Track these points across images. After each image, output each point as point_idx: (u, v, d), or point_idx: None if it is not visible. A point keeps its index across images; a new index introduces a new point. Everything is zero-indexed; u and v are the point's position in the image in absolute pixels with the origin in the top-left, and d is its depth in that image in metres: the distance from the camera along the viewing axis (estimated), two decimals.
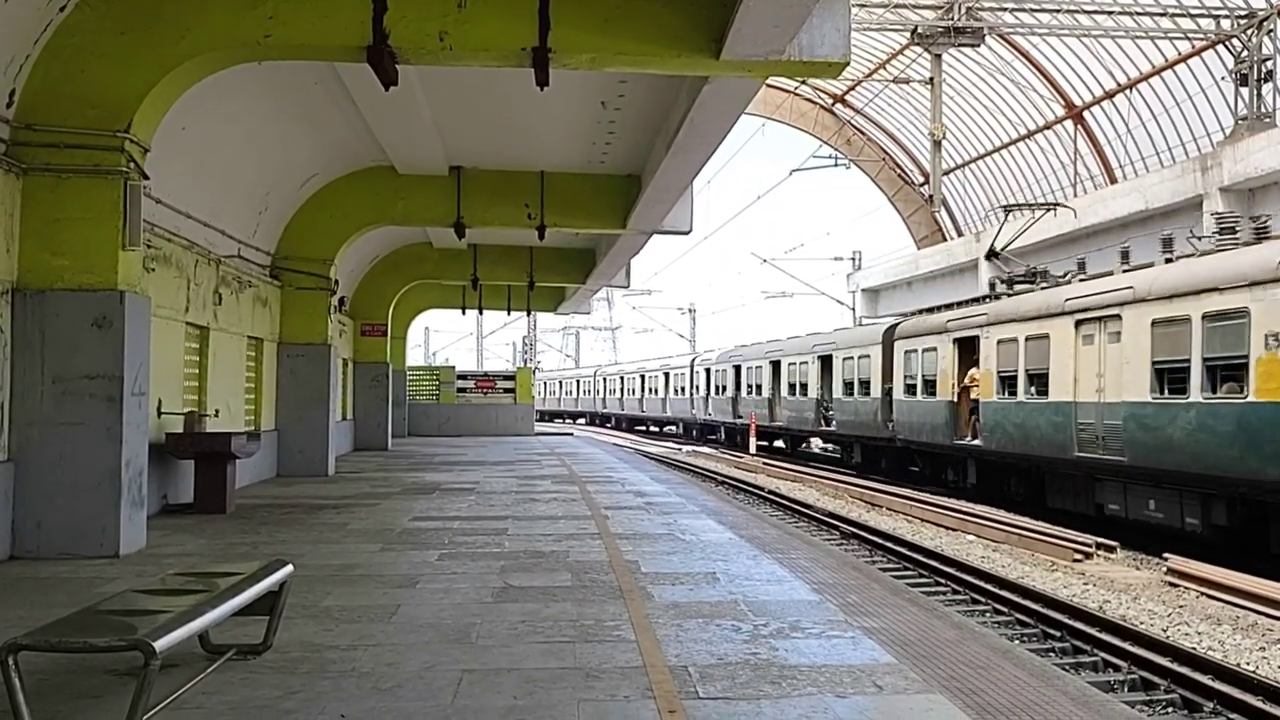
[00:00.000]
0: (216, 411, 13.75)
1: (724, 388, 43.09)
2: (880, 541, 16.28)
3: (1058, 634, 10.41)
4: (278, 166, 15.82)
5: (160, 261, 11.82)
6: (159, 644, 4.13)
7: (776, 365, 36.57)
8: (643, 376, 59.71)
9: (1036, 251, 33.47)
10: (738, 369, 41.00)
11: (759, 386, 38.30)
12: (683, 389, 50.46)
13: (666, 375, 54.50)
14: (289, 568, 5.92)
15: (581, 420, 75.93)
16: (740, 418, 40.68)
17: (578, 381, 79.18)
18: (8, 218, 8.74)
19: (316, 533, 10.68)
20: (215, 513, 11.99)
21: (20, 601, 7.10)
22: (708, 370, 46.62)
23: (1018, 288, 21.65)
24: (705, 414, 47.17)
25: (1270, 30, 27.22)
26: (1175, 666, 8.91)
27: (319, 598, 7.26)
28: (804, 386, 33.45)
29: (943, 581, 13.36)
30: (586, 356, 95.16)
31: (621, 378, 64.36)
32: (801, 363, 33.80)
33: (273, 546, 9.61)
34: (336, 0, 9.02)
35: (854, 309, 49.32)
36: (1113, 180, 34.57)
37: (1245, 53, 27.45)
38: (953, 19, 28.64)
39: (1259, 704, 7.94)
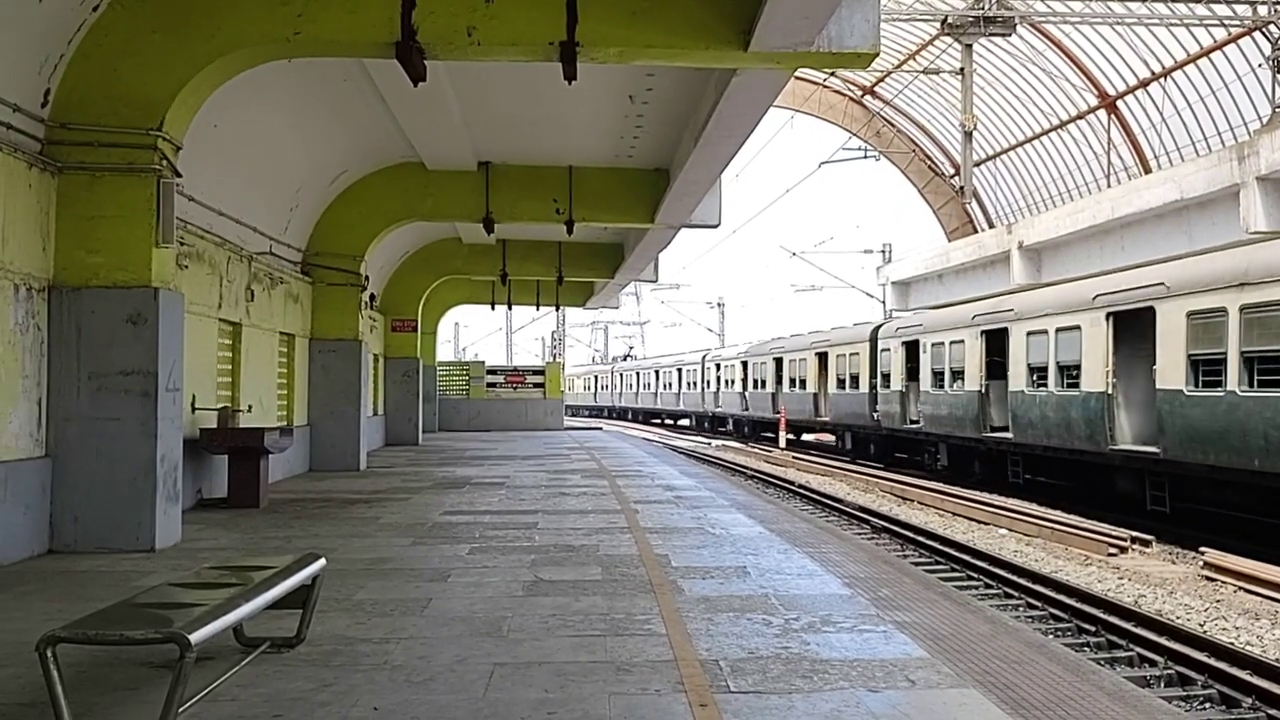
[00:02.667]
0: (249, 407, 13.86)
1: (763, 381, 42.01)
2: (912, 536, 16.19)
3: (1093, 629, 10.32)
4: (308, 163, 15.92)
5: (193, 258, 11.93)
6: (194, 637, 4.16)
7: (823, 357, 35.25)
8: (680, 370, 57.98)
9: (1069, 244, 33.16)
10: (779, 361, 39.96)
11: (802, 380, 37.29)
12: (732, 381, 47.96)
13: (718, 366, 51.33)
14: (322, 561, 5.96)
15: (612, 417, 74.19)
16: (778, 412, 39.99)
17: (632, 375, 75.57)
18: (44, 216, 8.85)
19: (349, 527, 10.75)
20: (249, 507, 12.09)
21: (58, 595, 7.19)
22: (745, 364, 45.48)
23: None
24: (747, 410, 45.50)
25: None
26: (1213, 661, 8.80)
27: (351, 591, 7.31)
28: (855, 379, 31.80)
29: (975, 576, 13.26)
30: (615, 351, 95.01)
31: (657, 372, 62.43)
32: (852, 354, 32.14)
33: (306, 540, 9.68)
34: None
35: (884, 302, 48.92)
36: (1147, 170, 34.11)
37: None
38: (983, 8, 28.37)
39: None
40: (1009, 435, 21.74)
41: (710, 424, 52.33)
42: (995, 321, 22.64)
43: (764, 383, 41.37)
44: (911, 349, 27.41)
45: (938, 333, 25.71)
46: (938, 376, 25.44)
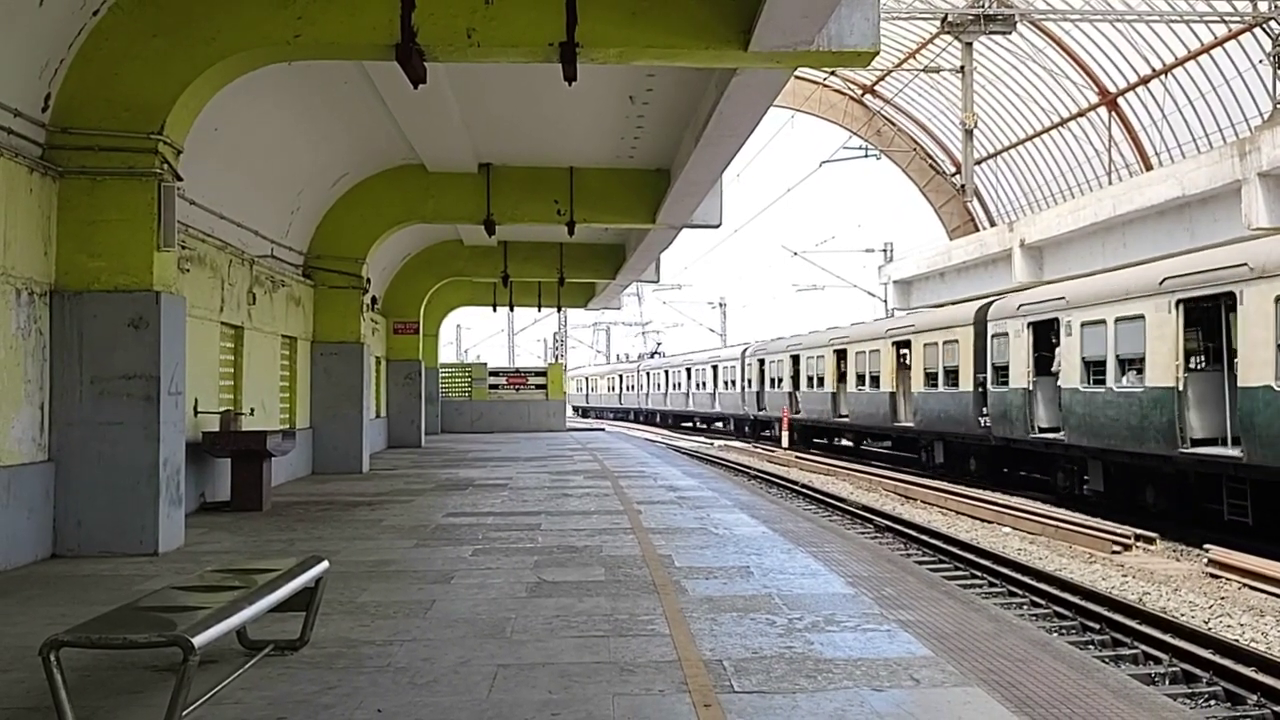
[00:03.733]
0: (252, 410, 13.87)
1: (819, 378, 35.47)
2: (915, 534, 16.18)
3: (1097, 626, 10.30)
4: (309, 166, 15.93)
5: (195, 262, 11.94)
6: (198, 640, 4.16)
7: (903, 347, 28.70)
8: (689, 370, 54.16)
9: (1071, 241, 33.14)
10: (840, 354, 33.19)
11: (872, 376, 30.38)
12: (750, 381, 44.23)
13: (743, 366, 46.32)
14: (325, 564, 5.95)
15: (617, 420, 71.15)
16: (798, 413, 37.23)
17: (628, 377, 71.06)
18: (45, 220, 8.85)
19: (352, 529, 10.75)
20: (252, 510, 12.10)
21: (61, 599, 7.19)
22: (761, 361, 42.15)
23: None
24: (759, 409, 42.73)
25: None
26: (1218, 659, 8.79)
27: (355, 593, 7.30)
28: (951, 374, 25.23)
29: (979, 574, 13.25)
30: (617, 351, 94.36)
31: (688, 370, 55.28)
32: (948, 342, 25.71)
33: (309, 543, 9.68)
34: None
35: (886, 301, 48.94)
36: (1148, 167, 34.07)
37: None
38: (983, 6, 28.36)
39: None
40: (1236, 454, 14.54)
41: (752, 429, 45.17)
42: (1207, 285, 15.62)
43: (820, 380, 34.69)
44: (1042, 332, 21.00)
45: (1094, 307, 18.71)
46: (1094, 368, 18.79)
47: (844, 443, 37.59)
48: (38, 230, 8.75)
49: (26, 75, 8.59)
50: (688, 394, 54.34)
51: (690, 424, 58.55)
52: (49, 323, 8.92)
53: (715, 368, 48.80)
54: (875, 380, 29.68)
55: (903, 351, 28.48)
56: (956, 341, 24.56)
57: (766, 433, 43.42)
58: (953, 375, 24.68)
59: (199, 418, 11.90)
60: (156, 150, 9.11)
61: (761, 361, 42.04)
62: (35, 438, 8.72)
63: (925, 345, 26.46)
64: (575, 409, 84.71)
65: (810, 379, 35.97)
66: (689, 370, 53.78)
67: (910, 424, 27.60)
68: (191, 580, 5.56)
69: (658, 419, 64.14)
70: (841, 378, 33.08)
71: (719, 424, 53.69)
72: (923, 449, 27.73)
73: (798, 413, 37.53)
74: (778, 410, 39.28)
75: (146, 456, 9.05)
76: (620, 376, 74.99)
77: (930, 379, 25.99)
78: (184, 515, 9.76)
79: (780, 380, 39.44)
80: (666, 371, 60.04)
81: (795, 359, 37.79)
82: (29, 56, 8.55)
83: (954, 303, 32.16)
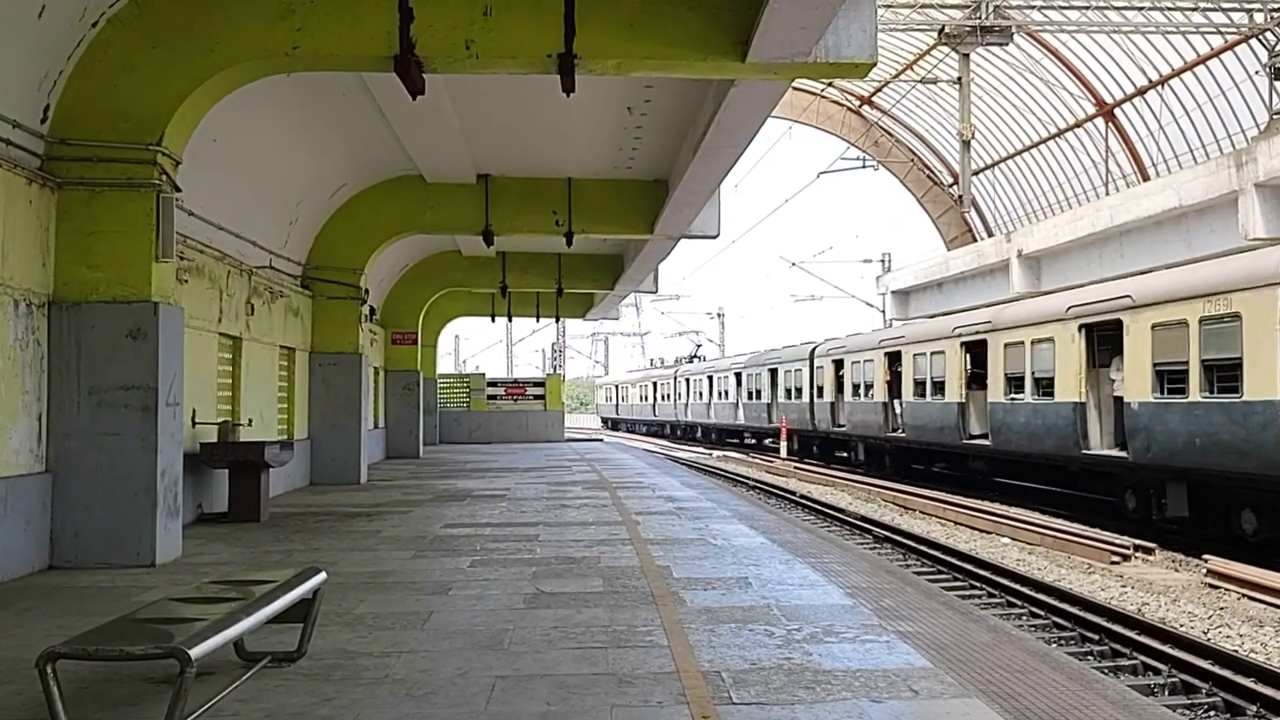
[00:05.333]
0: (250, 421, 13.85)
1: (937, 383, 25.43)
2: (914, 545, 16.15)
3: (1096, 637, 10.29)
4: (308, 177, 15.95)
5: (193, 273, 11.95)
6: (195, 652, 4.15)
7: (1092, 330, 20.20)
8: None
9: (1068, 252, 33.19)
10: (976, 349, 23.05)
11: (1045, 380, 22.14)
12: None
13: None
14: (322, 575, 5.94)
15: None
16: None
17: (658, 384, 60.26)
18: (43, 231, 8.86)
19: (349, 540, 10.73)
20: (249, 521, 12.08)
21: (58, 610, 7.17)
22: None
23: None
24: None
25: None
26: (1217, 669, 8.77)
27: (352, 605, 7.29)
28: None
29: (978, 585, 13.23)
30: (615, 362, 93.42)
31: (738, 375, 44.51)
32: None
33: (306, 554, 9.66)
34: (363, 11, 9.08)
35: (884, 311, 49.01)
36: (1145, 178, 34.17)
37: (1279, 46, 27.06)
38: (980, 18, 28.44)
39: None
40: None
41: (821, 448, 34.77)
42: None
43: (937, 386, 24.36)
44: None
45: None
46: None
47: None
48: (36, 241, 8.75)
49: (25, 86, 8.60)
50: (737, 404, 44.35)
51: (737, 439, 47.77)
52: (47, 333, 8.92)
53: (774, 371, 38.66)
54: (1045, 385, 19.90)
55: (1093, 335, 21.04)
56: (1239, 319, 17.29)
57: (845, 454, 33.24)
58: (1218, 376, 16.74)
59: (197, 428, 11.89)
60: (155, 161, 9.12)
61: (838, 364, 31.84)
62: (33, 449, 8.71)
63: (1153, 325, 16.98)
64: (604, 421, 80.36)
65: (921, 384, 25.31)
66: (739, 376, 43.95)
67: (1127, 454, 17.45)
68: (189, 592, 5.55)
69: (698, 433, 53.33)
70: (969, 381, 23.34)
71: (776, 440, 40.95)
72: (1147, 493, 17.05)
73: (895, 430, 27.20)
74: (863, 426, 29.53)
75: (144, 467, 9.03)
76: (654, 384, 63.35)
77: (1168, 378, 17.00)
78: (181, 526, 9.74)
79: (869, 388, 28.92)
80: (710, 377, 49.45)
81: (896, 355, 27.09)
82: (28, 68, 8.56)
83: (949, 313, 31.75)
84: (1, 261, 8.24)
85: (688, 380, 54.87)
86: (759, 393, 40.90)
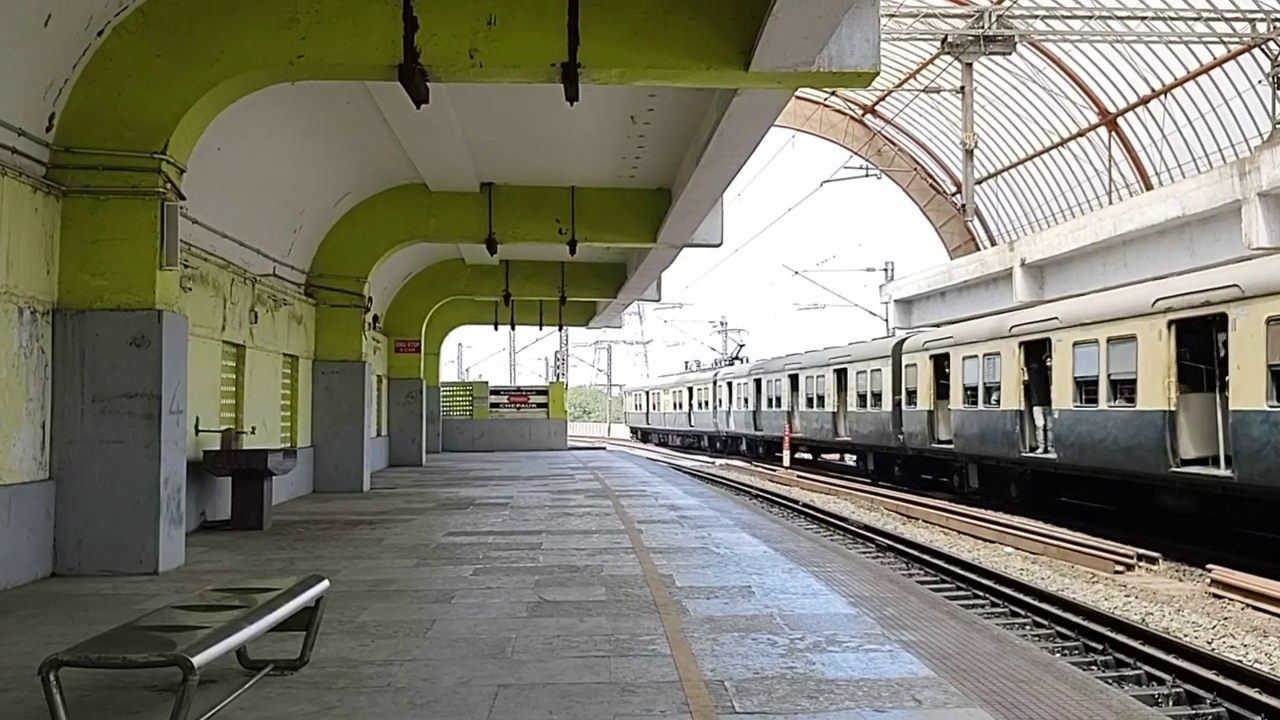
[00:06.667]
0: (253, 429, 13.87)
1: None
2: (917, 554, 16.12)
3: (1100, 647, 10.25)
4: (311, 186, 15.98)
5: (197, 281, 11.97)
6: (197, 659, 4.15)
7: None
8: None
9: (1071, 260, 33.18)
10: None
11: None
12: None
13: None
14: (325, 583, 5.94)
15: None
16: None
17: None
18: (48, 239, 8.88)
19: (352, 548, 10.73)
20: (252, 529, 12.08)
21: (61, 618, 7.17)
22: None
23: None
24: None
25: None
26: (1221, 679, 8.74)
27: (355, 613, 7.28)
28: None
29: (981, 594, 13.20)
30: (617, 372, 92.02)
31: (793, 377, 37.81)
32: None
33: (309, 562, 9.66)
34: (368, 20, 9.12)
35: (887, 320, 49.00)
36: (1148, 187, 34.17)
37: None
38: (983, 27, 28.47)
39: None
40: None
41: (906, 469, 28.48)
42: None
43: (1119, 387, 17.72)
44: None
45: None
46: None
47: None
48: (41, 249, 8.77)
49: (31, 95, 8.63)
50: (791, 412, 37.71)
51: (789, 452, 38.08)
52: (51, 341, 8.93)
53: (840, 372, 32.43)
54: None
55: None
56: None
57: (945, 478, 26.47)
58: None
59: (200, 436, 11.90)
60: (159, 169, 9.14)
61: (940, 360, 25.14)
62: (36, 456, 8.72)
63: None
64: (633, 431, 75.91)
65: (1089, 385, 18.71)
66: (794, 379, 37.17)
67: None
68: (191, 599, 5.55)
69: (742, 446, 46.04)
70: (1108, 389, 18.23)
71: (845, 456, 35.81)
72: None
73: (1038, 449, 20.95)
74: (979, 442, 22.93)
75: (147, 475, 9.04)
76: (689, 390, 55.17)
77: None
78: (184, 534, 9.73)
79: (992, 391, 22.44)
80: (758, 382, 41.96)
81: (1031, 348, 21.07)
82: (33, 76, 8.59)
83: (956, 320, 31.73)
84: (6, 269, 8.26)
85: (730, 384, 47.27)
86: (825, 399, 33.99)
